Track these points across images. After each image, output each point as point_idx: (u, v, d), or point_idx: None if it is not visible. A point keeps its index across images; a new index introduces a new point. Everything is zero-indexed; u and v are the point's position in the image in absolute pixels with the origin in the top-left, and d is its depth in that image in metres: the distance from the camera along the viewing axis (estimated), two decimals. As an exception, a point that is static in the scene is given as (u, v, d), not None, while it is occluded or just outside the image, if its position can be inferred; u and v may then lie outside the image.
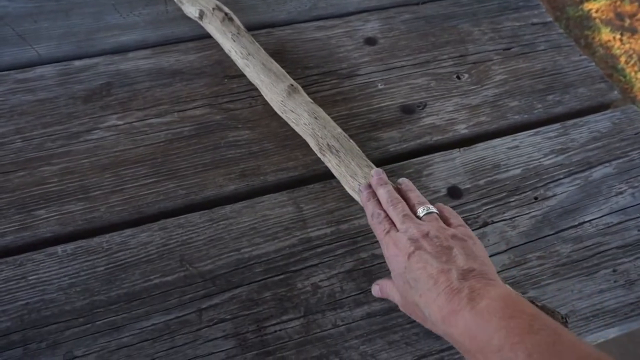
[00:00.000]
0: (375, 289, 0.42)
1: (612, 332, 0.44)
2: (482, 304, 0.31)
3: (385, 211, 0.41)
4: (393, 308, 0.43)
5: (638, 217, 0.50)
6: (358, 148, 0.48)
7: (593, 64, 0.63)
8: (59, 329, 0.40)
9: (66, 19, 0.62)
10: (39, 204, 0.47)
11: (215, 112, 0.54)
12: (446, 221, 0.40)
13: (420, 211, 0.40)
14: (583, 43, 1.95)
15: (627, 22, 2.06)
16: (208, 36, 0.60)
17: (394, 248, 0.37)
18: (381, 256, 0.45)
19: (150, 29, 0.62)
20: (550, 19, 0.68)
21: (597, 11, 2.08)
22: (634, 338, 1.13)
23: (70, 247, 0.44)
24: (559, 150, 0.54)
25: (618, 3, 2.12)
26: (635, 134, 0.56)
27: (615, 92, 0.60)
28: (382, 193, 0.42)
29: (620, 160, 0.54)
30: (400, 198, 0.41)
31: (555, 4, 2.11)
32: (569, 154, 0.54)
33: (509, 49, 0.64)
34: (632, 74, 1.88)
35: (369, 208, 0.42)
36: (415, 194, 0.42)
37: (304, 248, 0.46)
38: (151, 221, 0.46)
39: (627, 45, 1.97)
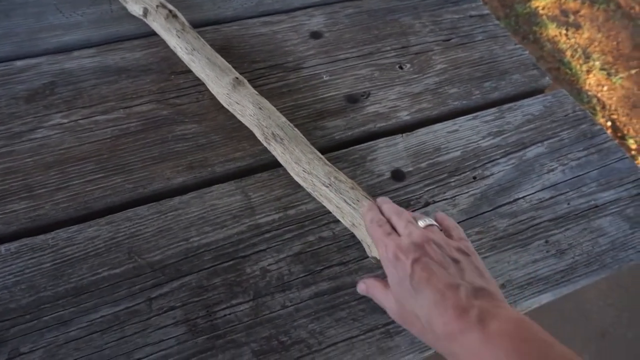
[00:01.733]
0: (361, 287, 0.41)
1: (545, 298, 0.47)
2: (492, 325, 0.30)
3: (387, 219, 0.39)
4: (340, 287, 0.44)
5: (567, 192, 0.54)
6: (302, 136, 0.49)
7: (527, 52, 0.67)
8: (4, 327, 0.40)
9: (6, 20, 0.61)
10: (-20, 204, 0.46)
11: (162, 107, 0.55)
12: (447, 232, 0.40)
13: (421, 223, 0.39)
14: (532, 39, 2.04)
15: (572, 18, 2.16)
16: (153, 34, 0.61)
17: (395, 251, 0.35)
18: (328, 238, 0.47)
19: (95, 28, 0.62)
20: (487, 11, 0.72)
21: (543, 8, 2.18)
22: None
23: (14, 245, 0.44)
24: (495, 133, 0.58)
25: (562, 0, 2.22)
26: (565, 116, 0.60)
27: (547, 78, 0.64)
28: (385, 206, 0.40)
29: (552, 140, 0.58)
30: (405, 210, 0.40)
31: (504, 1, 2.20)
32: (505, 135, 0.58)
33: (448, 39, 0.67)
34: (578, 67, 1.97)
35: (369, 215, 0.40)
36: (417, 214, 0.41)
37: (253, 234, 0.47)
38: (99, 216, 0.46)
39: (572, 40, 2.07)
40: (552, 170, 0.55)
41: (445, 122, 0.58)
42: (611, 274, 0.49)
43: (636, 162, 1.67)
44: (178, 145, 0.52)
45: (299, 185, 0.50)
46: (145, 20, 0.60)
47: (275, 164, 0.51)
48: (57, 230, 0.45)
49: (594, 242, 0.50)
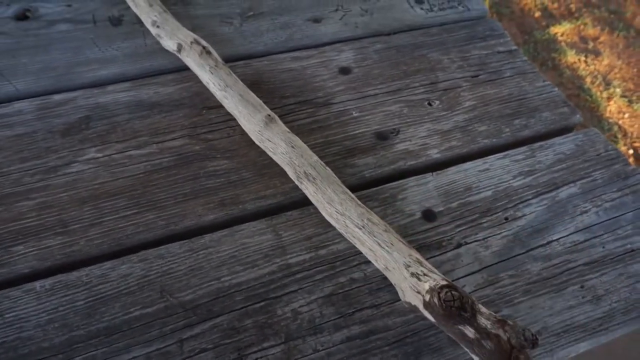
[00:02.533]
0: None
1: (582, 347, 0.45)
2: None
3: None
4: (372, 331, 0.44)
5: (602, 235, 0.52)
6: (334, 175, 0.49)
7: (556, 89, 0.67)
8: (37, 366, 0.40)
9: (45, 54, 0.63)
10: (16, 239, 0.47)
11: (194, 142, 0.56)
12: None
13: None
14: (550, 65, 2.04)
15: (591, 44, 2.16)
16: (186, 68, 0.62)
17: None
18: (359, 280, 0.47)
19: (129, 63, 0.63)
20: (515, 47, 0.72)
21: (562, 35, 2.18)
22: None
23: (48, 282, 0.44)
24: (526, 172, 0.57)
25: (582, 27, 2.22)
26: (597, 155, 0.59)
27: (578, 116, 0.64)
28: None
29: (584, 181, 0.57)
30: None
31: (523, 28, 2.20)
32: (536, 175, 0.57)
33: (476, 76, 0.67)
34: (598, 93, 1.96)
35: None
36: None
37: (284, 274, 0.46)
38: (131, 253, 0.47)
39: (592, 67, 2.06)
40: (586, 212, 0.54)
41: (476, 161, 0.57)
42: (650, 323, 0.48)
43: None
44: (210, 181, 0.53)
45: (330, 225, 0.49)
46: (179, 55, 0.61)
47: (306, 202, 0.51)
48: (91, 267, 0.45)
49: (632, 288, 0.49)
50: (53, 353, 0.40)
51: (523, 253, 0.50)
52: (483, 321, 0.38)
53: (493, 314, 0.37)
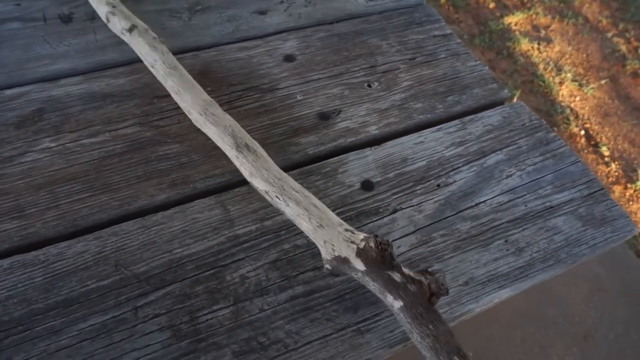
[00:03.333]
0: None
1: (505, 293, 0.50)
2: None
3: None
4: (314, 290, 0.48)
5: (525, 195, 0.58)
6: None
7: (486, 67, 0.72)
8: (-2, 338, 0.42)
9: (-4, 52, 0.65)
10: (-26, 225, 0.49)
11: (145, 129, 0.59)
12: None
13: None
14: (505, 54, 2.12)
15: (543, 32, 2.26)
16: (137, 61, 0.65)
17: None
18: (302, 246, 0.51)
19: (81, 57, 0.66)
20: (449, 31, 0.77)
21: (515, 24, 2.27)
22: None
23: (6, 262, 0.47)
24: (458, 143, 0.62)
25: (534, 16, 2.32)
26: (522, 125, 0.65)
27: (505, 91, 0.69)
28: None
29: (510, 148, 0.62)
30: None
31: (478, 19, 2.28)
32: (467, 145, 0.62)
33: (414, 58, 0.72)
34: (550, 79, 2.05)
35: None
36: None
37: (232, 244, 0.50)
38: (87, 233, 0.50)
39: (544, 54, 2.16)
40: (511, 175, 0.60)
41: (411, 135, 0.62)
42: (567, 269, 0.53)
43: (609, 168, 1.74)
44: (161, 164, 0.56)
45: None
46: (128, 36, 0.62)
47: (252, 179, 0.55)
48: (48, 247, 0.48)
49: (550, 239, 0.54)
50: (13, 325, 0.43)
51: (453, 215, 0.55)
52: (406, 270, 0.42)
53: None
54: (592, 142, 1.84)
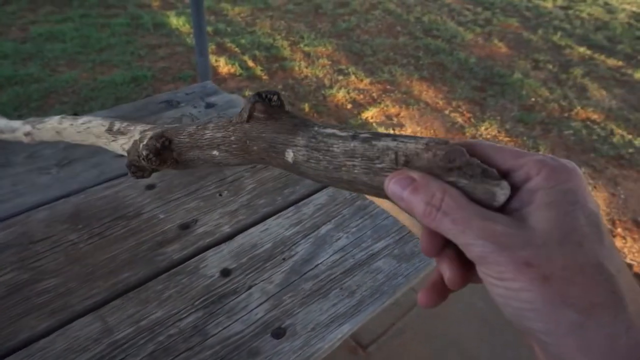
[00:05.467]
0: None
1: (346, 328, 0.63)
2: None
3: None
4: (188, 367, 0.57)
5: (352, 250, 0.74)
6: None
7: (314, 161, 0.92)
8: None
9: None
10: None
11: (22, 272, 0.67)
12: None
13: None
14: (369, 142, 2.46)
15: (395, 119, 2.67)
16: (11, 216, 0.74)
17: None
18: (175, 334, 0.60)
19: (-44, 225, 0.74)
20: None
21: (371, 117, 2.66)
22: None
23: None
24: (295, 223, 0.78)
25: (384, 108, 2.75)
26: (344, 198, 0.84)
27: (330, 176, 0.89)
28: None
29: (336, 218, 0.80)
30: None
31: (340, 119, 2.65)
32: (303, 223, 0.78)
33: (254, 166, 0.90)
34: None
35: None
36: None
37: (112, 349, 0.58)
38: (-28, 375, 0.55)
39: (401, 136, 2.54)
40: (339, 238, 0.76)
41: (257, 225, 0.77)
42: (390, 302, 0.68)
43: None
44: (40, 298, 0.64)
45: (147, 301, 0.63)
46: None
47: (125, 291, 0.65)
48: None
49: (374, 279, 0.70)
50: None
51: (298, 278, 0.69)
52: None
53: None
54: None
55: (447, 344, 1.37)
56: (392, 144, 0.26)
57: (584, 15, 4.27)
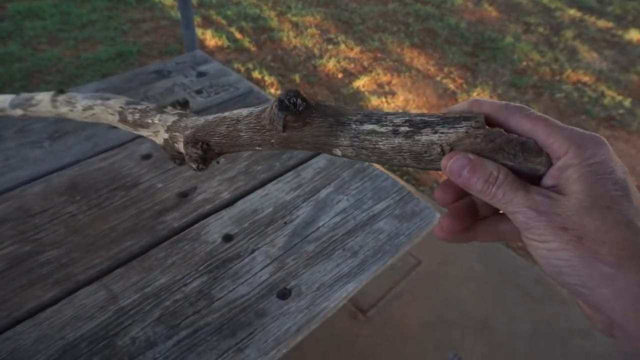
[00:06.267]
0: (462, 169, 0.27)
1: (350, 287, 0.64)
2: None
3: None
4: (196, 330, 0.57)
5: (352, 212, 0.74)
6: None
7: (310, 126, 0.91)
8: None
9: None
10: None
11: (23, 245, 0.66)
12: None
13: None
14: (361, 111, 2.45)
15: (387, 88, 2.65)
16: (6, 190, 0.73)
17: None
18: (180, 299, 0.61)
19: (-50, 201, 0.73)
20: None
21: (363, 86, 2.64)
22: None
23: None
24: (295, 187, 0.78)
25: (376, 77, 2.72)
26: (343, 162, 0.83)
27: (327, 140, 0.88)
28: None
29: (336, 181, 0.79)
30: None
31: (331, 88, 2.62)
32: (303, 187, 0.78)
33: (251, 133, 0.89)
34: (402, 123, 2.40)
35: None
36: None
37: (118, 315, 0.58)
38: (-20, 347, 0.55)
39: (393, 104, 2.53)
40: (340, 201, 0.76)
41: (257, 191, 0.77)
42: (396, 258, 0.69)
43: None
44: (43, 269, 0.63)
45: (151, 268, 0.63)
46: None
47: (129, 259, 0.64)
48: (-57, 369, 0.53)
49: (376, 239, 0.70)
50: None
51: (300, 241, 0.69)
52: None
53: None
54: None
55: (447, 305, 1.40)
56: (434, 137, 0.28)
57: (574, -24, 4.21)
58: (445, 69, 2.78)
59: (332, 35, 3.00)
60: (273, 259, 0.67)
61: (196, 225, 0.71)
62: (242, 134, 0.36)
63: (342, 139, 0.31)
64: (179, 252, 0.66)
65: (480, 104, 0.29)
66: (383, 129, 0.30)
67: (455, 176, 0.27)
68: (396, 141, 0.29)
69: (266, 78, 2.53)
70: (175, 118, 0.43)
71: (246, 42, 2.85)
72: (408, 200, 0.77)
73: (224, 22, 3.07)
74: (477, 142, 0.27)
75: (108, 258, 0.65)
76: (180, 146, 0.42)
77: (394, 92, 2.62)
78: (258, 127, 0.35)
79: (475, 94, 2.55)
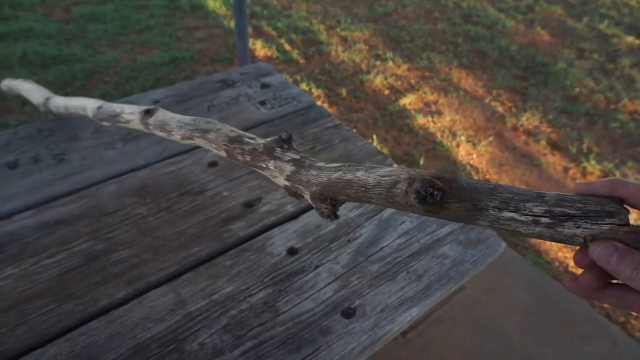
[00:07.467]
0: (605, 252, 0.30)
1: (414, 312, 0.63)
2: None
3: None
4: (262, 342, 0.58)
5: (417, 234, 0.73)
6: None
7: (373, 144, 0.91)
8: None
9: (-49, 204, 0.74)
10: (-49, 353, 0.55)
11: (97, 242, 0.69)
12: None
13: None
14: (406, 130, 2.43)
15: (433, 107, 2.63)
16: (83, 188, 0.76)
17: None
18: (246, 309, 0.61)
19: (30, 194, 0.76)
20: (338, 122, 0.97)
21: (409, 104, 2.63)
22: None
23: (-14, 378, 0.53)
24: (358, 205, 0.78)
25: (423, 95, 2.71)
26: (406, 182, 0.82)
27: (389, 160, 0.88)
28: None
29: (399, 201, 0.79)
30: None
31: (378, 105, 2.62)
32: (366, 206, 0.78)
33: (314, 147, 0.90)
34: (448, 143, 2.37)
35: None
36: None
37: (187, 320, 0.59)
38: (58, 338, 0.57)
39: (439, 124, 2.50)
40: (403, 222, 0.75)
41: (321, 206, 0.77)
42: (459, 285, 0.67)
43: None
44: (116, 268, 0.65)
45: (217, 276, 0.64)
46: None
47: (196, 265, 0.66)
48: (23, 357, 0.55)
49: (441, 264, 0.69)
50: None
51: (364, 260, 0.69)
52: None
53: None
54: (494, 190, 2.10)
55: (489, 334, 1.36)
56: (577, 231, 0.30)
57: (632, 2, 4.09)
58: (494, 92, 2.74)
59: (380, 52, 3.00)
60: (337, 276, 0.66)
61: (261, 236, 0.71)
62: (373, 200, 0.39)
63: (482, 221, 0.33)
64: (244, 261, 0.67)
65: (624, 186, 0.30)
66: (523, 218, 0.31)
67: (603, 262, 0.30)
68: (537, 229, 0.31)
69: (313, 90, 2.56)
70: (292, 168, 0.45)
71: (295, 54, 2.89)
72: (472, 227, 0.75)
73: (274, 33, 3.13)
74: (620, 236, 0.30)
75: (177, 262, 0.67)
76: (305, 195, 0.45)
77: (440, 112, 2.59)
78: (391, 200, 0.37)
79: (524, 118, 2.49)
